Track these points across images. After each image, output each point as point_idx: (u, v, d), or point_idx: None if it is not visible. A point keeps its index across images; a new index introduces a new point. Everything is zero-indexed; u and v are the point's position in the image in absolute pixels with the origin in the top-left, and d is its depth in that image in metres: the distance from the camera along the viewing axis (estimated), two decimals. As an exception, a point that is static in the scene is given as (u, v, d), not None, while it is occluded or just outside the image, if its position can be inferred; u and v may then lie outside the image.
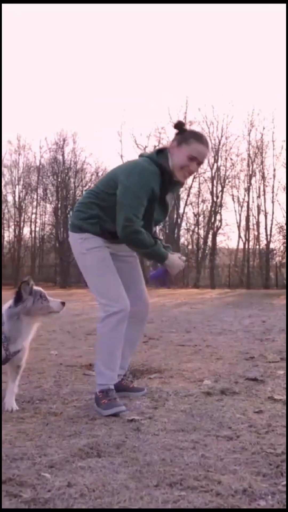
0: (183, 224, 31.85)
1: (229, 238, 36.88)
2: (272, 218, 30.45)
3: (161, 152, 2.86)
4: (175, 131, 2.87)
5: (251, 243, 31.97)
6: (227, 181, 31.15)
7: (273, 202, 30.33)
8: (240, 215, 31.85)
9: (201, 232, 31.81)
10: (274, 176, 30.18)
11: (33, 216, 33.48)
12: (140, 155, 2.96)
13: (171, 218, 29.28)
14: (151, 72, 50.01)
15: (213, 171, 30.75)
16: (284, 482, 1.76)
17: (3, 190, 31.83)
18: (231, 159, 31.25)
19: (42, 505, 1.60)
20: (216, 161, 30.68)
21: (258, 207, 31.00)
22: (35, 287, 2.75)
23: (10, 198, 32.72)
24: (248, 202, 31.16)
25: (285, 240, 28.53)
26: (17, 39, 49.77)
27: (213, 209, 30.83)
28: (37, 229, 33.86)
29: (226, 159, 31.18)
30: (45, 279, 29.70)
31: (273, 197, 30.24)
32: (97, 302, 2.86)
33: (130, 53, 51.34)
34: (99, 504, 1.59)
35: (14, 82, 48.39)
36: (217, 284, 29.62)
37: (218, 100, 47.79)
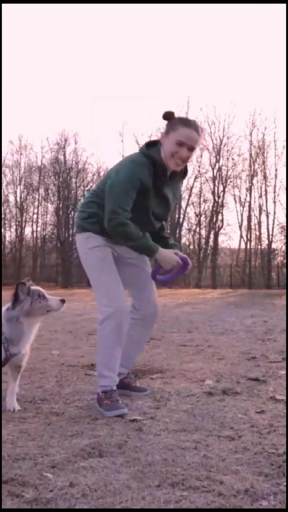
0: (185, 224, 31.80)
1: (230, 238, 36.69)
2: (274, 218, 30.38)
3: (154, 145, 2.82)
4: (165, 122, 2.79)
5: (252, 243, 31.90)
6: (228, 181, 31.07)
7: (274, 202, 30.26)
8: (241, 215, 31.79)
9: (203, 232, 31.74)
10: (275, 176, 30.06)
11: (35, 216, 33.48)
12: None
13: (172, 218, 29.22)
14: (152, 72, 50.09)
15: (215, 171, 30.68)
16: (286, 482, 1.76)
17: (4, 190, 31.89)
18: (232, 159, 31.19)
19: (44, 505, 1.60)
20: (217, 161, 30.62)
21: (260, 207, 30.94)
22: (33, 287, 2.73)
23: (11, 198, 32.72)
24: (249, 202, 31.09)
25: (286, 240, 28.49)
26: (18, 39, 49.84)
27: (214, 209, 30.74)
28: (39, 229, 33.85)
29: (227, 159, 31.07)
30: (47, 279, 29.69)
31: (274, 197, 30.16)
32: (96, 301, 2.86)
33: (131, 53, 51.34)
34: (101, 504, 1.59)
35: (15, 82, 48.45)
36: (218, 284, 29.55)
37: (219, 100, 47.73)
